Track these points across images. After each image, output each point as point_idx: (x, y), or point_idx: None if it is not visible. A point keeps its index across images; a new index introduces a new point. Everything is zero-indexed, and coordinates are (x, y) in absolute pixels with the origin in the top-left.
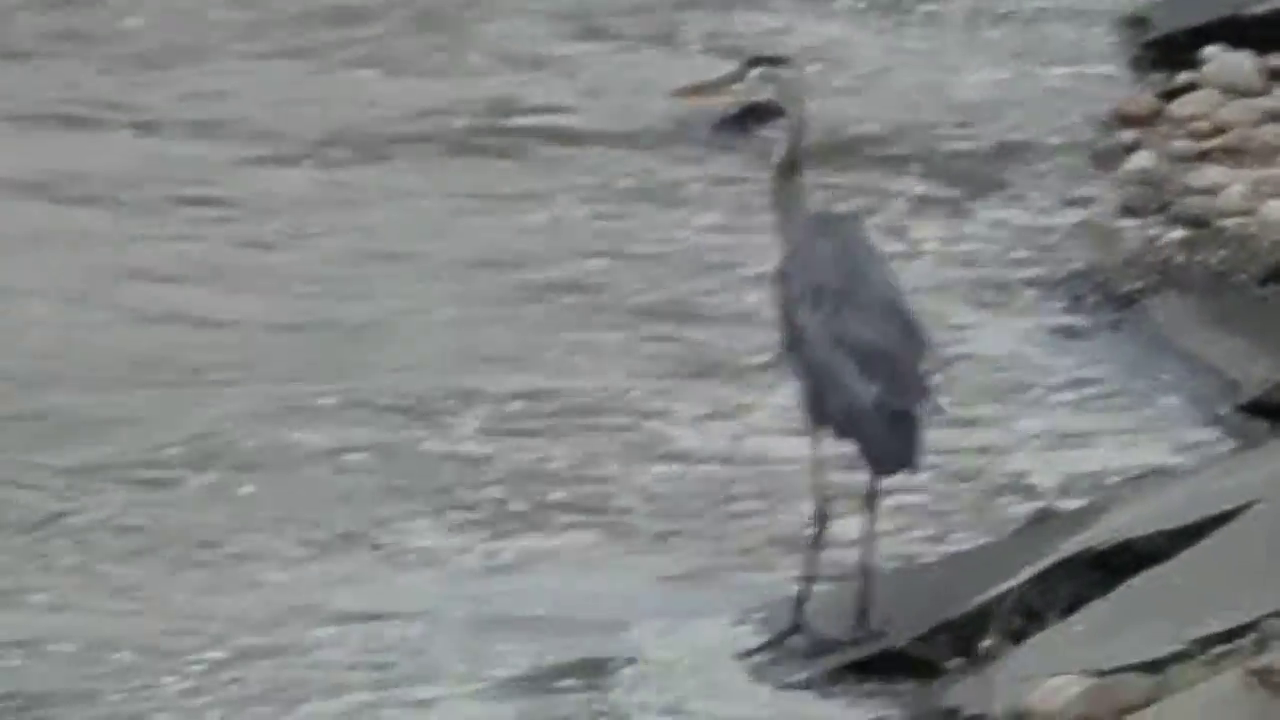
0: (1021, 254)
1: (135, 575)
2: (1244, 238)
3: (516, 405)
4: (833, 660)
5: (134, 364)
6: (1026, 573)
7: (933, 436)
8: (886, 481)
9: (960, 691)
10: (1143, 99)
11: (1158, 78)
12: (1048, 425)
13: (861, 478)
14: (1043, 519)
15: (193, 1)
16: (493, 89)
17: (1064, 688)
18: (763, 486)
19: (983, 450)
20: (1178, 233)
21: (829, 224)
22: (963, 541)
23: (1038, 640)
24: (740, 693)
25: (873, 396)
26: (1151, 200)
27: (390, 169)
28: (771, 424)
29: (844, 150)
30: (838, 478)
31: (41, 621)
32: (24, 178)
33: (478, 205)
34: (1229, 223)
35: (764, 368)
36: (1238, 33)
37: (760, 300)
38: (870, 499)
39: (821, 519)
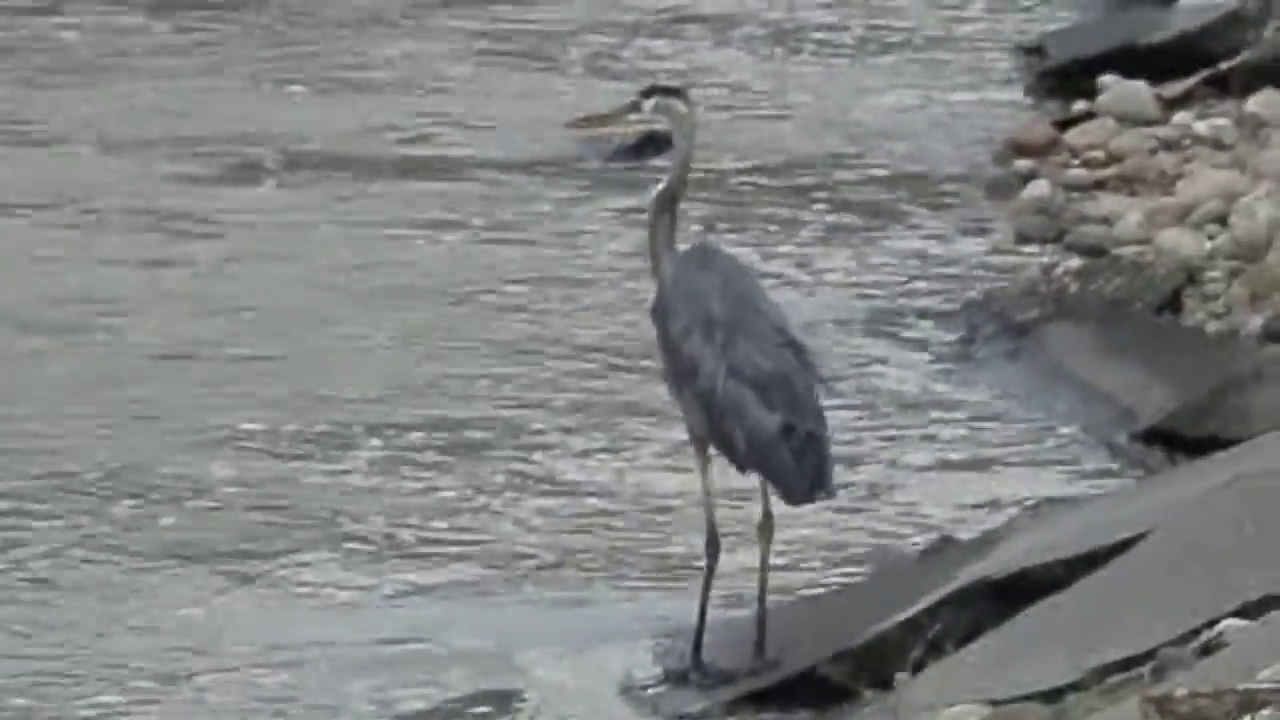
0: (919, 284)
1: (44, 611)
2: (1140, 266)
3: (415, 436)
4: (729, 691)
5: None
6: (924, 602)
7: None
8: (786, 510)
9: None
10: (1038, 128)
11: (1054, 107)
12: (944, 454)
13: (752, 510)
14: (940, 549)
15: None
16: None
17: (962, 717)
18: (648, 520)
19: (877, 480)
20: (1074, 261)
21: (706, 255)
22: (860, 572)
23: (936, 669)
24: None
25: (777, 424)
26: (1047, 229)
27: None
28: (655, 460)
29: (745, 179)
30: (727, 511)
31: None
32: None
33: (381, 231)
34: (1125, 251)
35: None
36: (1134, 62)
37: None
38: (764, 529)
39: (713, 551)
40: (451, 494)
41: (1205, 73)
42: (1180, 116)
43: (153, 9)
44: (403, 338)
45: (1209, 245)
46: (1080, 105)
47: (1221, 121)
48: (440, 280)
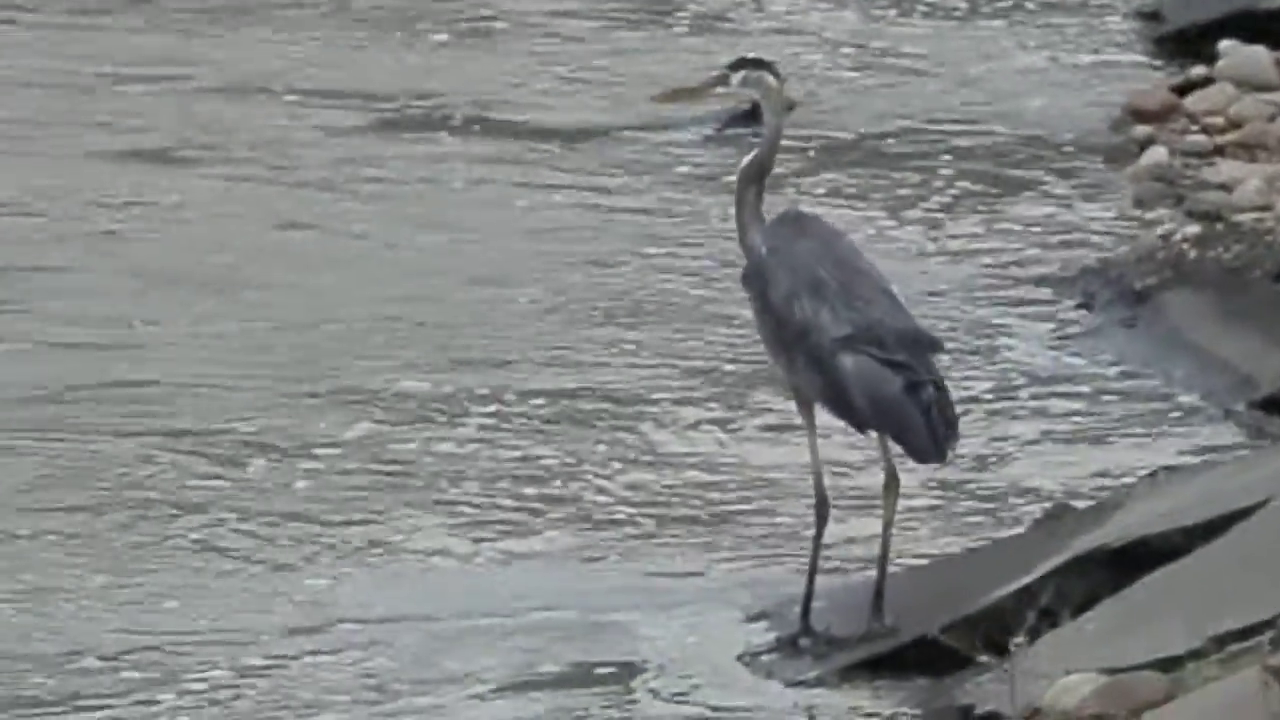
0: (1037, 250)
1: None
2: (1258, 233)
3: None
4: (844, 658)
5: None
6: (1041, 569)
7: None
8: (907, 473)
9: (975, 689)
10: (1156, 94)
11: (1172, 72)
12: (1061, 423)
13: (856, 481)
14: (1056, 516)
15: None
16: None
17: (1078, 686)
18: (752, 490)
19: (992, 448)
20: (1192, 228)
21: (800, 221)
22: (975, 540)
23: (1052, 638)
24: (752, 688)
25: (901, 383)
26: (1166, 195)
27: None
28: (763, 430)
29: (873, 144)
30: (831, 480)
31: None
32: None
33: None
34: (1243, 218)
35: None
36: (1252, 27)
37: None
38: (890, 487)
39: (822, 513)
40: (571, 460)
41: None
42: None
43: None
44: (551, 304)
45: None
46: (1199, 70)
47: None
48: (571, 245)
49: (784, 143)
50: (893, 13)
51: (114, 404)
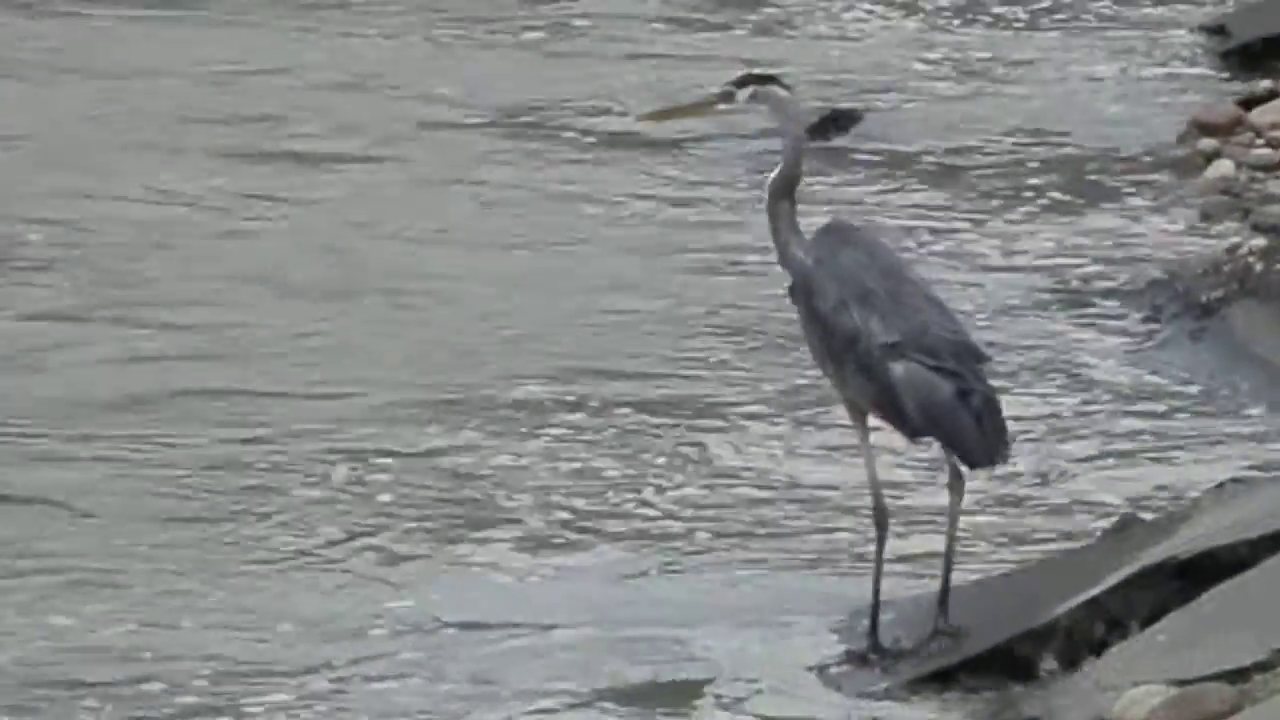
0: (1103, 265)
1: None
2: None
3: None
4: (911, 669)
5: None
6: (1109, 581)
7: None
8: (969, 480)
9: (1042, 700)
10: (1221, 108)
11: (1237, 86)
12: (1128, 435)
13: (913, 500)
14: (1124, 528)
15: None
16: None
17: (1146, 697)
18: (817, 505)
19: (1059, 460)
20: (1258, 241)
21: (846, 232)
22: (1042, 551)
23: (1120, 649)
24: (820, 700)
25: (952, 389)
26: (1231, 208)
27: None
28: (827, 446)
29: (950, 159)
30: (891, 499)
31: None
32: None
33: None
34: None
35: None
36: None
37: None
38: (955, 487)
39: (881, 521)
40: (632, 472)
41: None
42: None
43: None
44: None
45: None
46: (1264, 84)
47: None
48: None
49: (856, 156)
50: (956, 22)
51: (204, 411)
